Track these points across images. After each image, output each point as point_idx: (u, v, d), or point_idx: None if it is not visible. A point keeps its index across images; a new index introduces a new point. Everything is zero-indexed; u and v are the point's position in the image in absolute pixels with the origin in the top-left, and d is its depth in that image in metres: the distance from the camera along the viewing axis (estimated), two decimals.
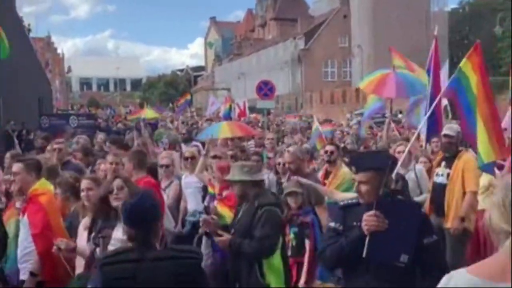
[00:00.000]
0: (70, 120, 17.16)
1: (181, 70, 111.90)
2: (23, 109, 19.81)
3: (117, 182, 4.57)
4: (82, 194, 5.13)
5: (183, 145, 11.64)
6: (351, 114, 34.63)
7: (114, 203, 4.44)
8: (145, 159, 6.48)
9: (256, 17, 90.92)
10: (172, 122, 24.14)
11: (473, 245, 7.05)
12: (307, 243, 5.50)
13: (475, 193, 6.75)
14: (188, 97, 37.20)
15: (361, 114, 30.51)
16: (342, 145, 10.13)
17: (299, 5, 76.41)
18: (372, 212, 3.36)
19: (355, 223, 3.47)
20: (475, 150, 6.26)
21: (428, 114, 6.90)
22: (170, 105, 52.32)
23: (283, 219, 5.13)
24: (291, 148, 7.43)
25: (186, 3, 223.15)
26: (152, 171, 6.86)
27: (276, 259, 4.67)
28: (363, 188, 3.51)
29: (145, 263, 3.06)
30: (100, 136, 12.02)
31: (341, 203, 3.81)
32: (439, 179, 7.10)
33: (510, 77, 37.72)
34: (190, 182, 7.42)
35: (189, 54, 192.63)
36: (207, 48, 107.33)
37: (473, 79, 6.16)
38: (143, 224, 3.13)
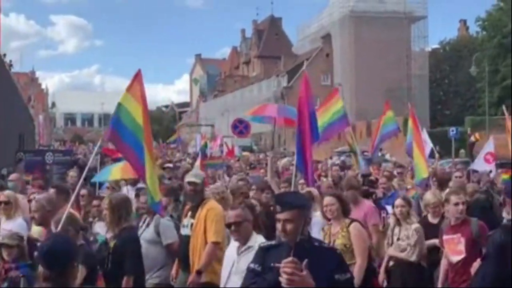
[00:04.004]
0: (46, 156, 17.11)
1: (166, 106, 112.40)
2: (1, 145, 19.78)
3: None
4: None
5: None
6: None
7: None
8: None
9: (241, 54, 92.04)
10: (157, 159, 24.16)
11: None
12: None
13: (216, 244, 6.11)
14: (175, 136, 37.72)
15: (342, 152, 30.96)
16: None
17: (282, 43, 77.58)
18: (290, 259, 3.23)
19: (272, 264, 3.43)
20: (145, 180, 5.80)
21: (296, 152, 6.73)
22: (154, 143, 52.13)
23: None
24: (37, 195, 6.50)
25: (173, 39, 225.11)
26: None
27: None
28: (289, 226, 3.47)
29: None
30: (72, 173, 12.07)
31: (261, 244, 3.82)
32: (184, 231, 6.58)
33: (487, 117, 37.96)
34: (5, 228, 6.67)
35: (175, 90, 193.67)
36: (192, 84, 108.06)
37: (137, 110, 5.69)
38: (57, 266, 3.19)
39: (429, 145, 13.88)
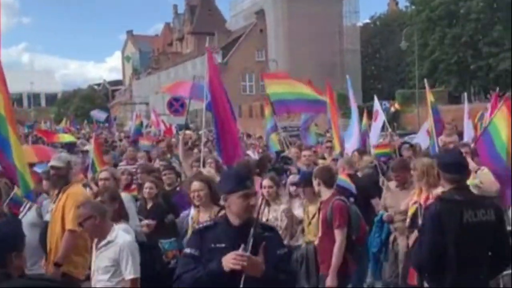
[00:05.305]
0: None
1: (99, 85, 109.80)
2: None
3: None
4: None
5: None
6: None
7: None
8: None
9: (174, 30, 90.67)
10: (88, 140, 23.48)
11: None
12: None
13: (73, 232, 5.62)
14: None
15: (283, 128, 30.93)
16: None
17: (216, 19, 76.82)
18: (240, 253, 3.23)
19: (212, 245, 3.38)
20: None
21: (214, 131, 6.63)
22: (86, 121, 50.91)
23: None
24: None
25: (104, 15, 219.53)
26: None
27: None
28: (254, 200, 3.52)
29: None
30: None
31: (196, 227, 3.75)
32: (48, 217, 6.17)
33: (417, 90, 38.80)
34: None
35: (107, 68, 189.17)
36: (124, 62, 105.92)
37: None
38: None
39: (381, 117, 13.51)
